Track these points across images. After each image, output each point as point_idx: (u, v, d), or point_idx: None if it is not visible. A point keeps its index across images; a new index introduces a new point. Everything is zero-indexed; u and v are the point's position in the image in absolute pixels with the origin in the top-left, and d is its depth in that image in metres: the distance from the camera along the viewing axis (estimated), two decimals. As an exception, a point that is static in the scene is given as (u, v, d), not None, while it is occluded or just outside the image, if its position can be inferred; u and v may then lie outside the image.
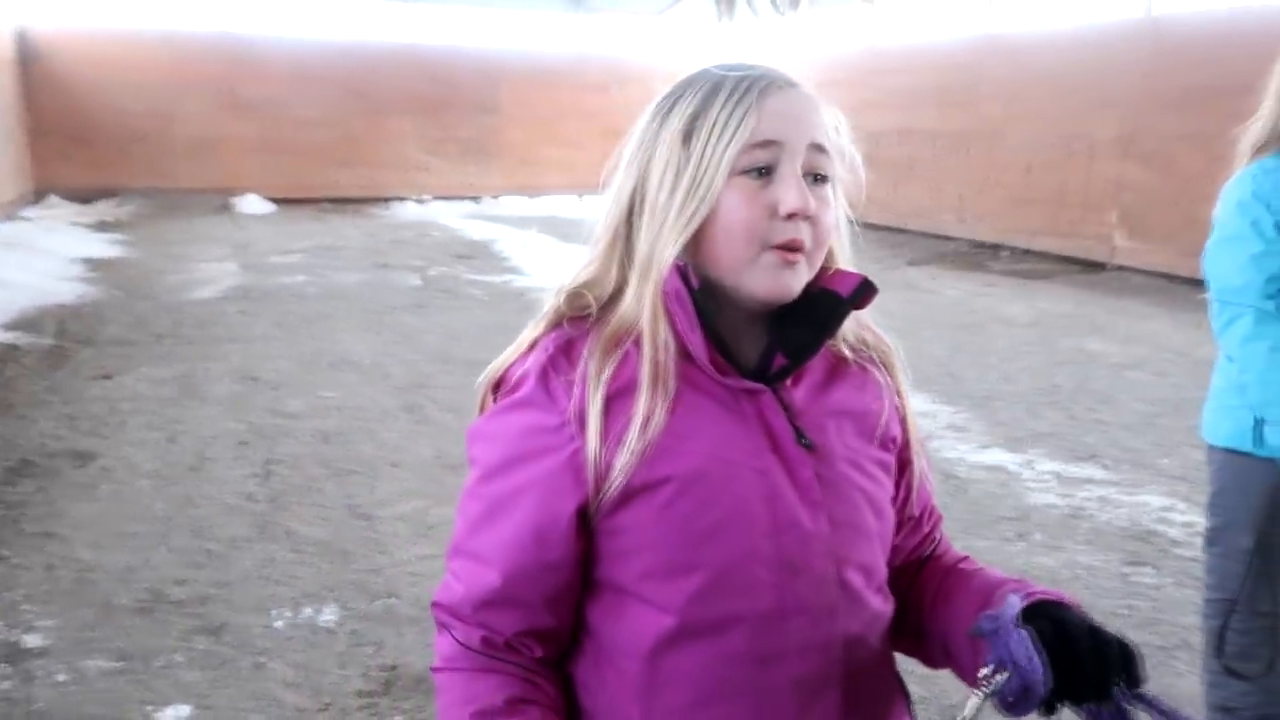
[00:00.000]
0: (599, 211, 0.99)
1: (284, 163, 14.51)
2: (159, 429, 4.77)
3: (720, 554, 0.91)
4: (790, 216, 0.91)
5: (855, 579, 0.96)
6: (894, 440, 1.04)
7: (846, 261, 1.01)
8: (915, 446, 1.06)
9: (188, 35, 14.15)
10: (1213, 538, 2.27)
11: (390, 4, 15.44)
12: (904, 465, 1.06)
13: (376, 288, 8.62)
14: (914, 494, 1.07)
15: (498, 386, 0.98)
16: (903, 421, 1.05)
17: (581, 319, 0.96)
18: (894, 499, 1.05)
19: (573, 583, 0.94)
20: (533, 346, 0.96)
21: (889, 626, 1.03)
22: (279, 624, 3.01)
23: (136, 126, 13.80)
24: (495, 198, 15.37)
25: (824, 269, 0.98)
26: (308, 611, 3.08)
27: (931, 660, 1.07)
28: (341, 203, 14.70)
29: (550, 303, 0.98)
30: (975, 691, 0.88)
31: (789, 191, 0.91)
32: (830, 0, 14.65)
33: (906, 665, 1.08)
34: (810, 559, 0.93)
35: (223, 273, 9.14)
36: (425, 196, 15.20)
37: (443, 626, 0.97)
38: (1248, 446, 2.13)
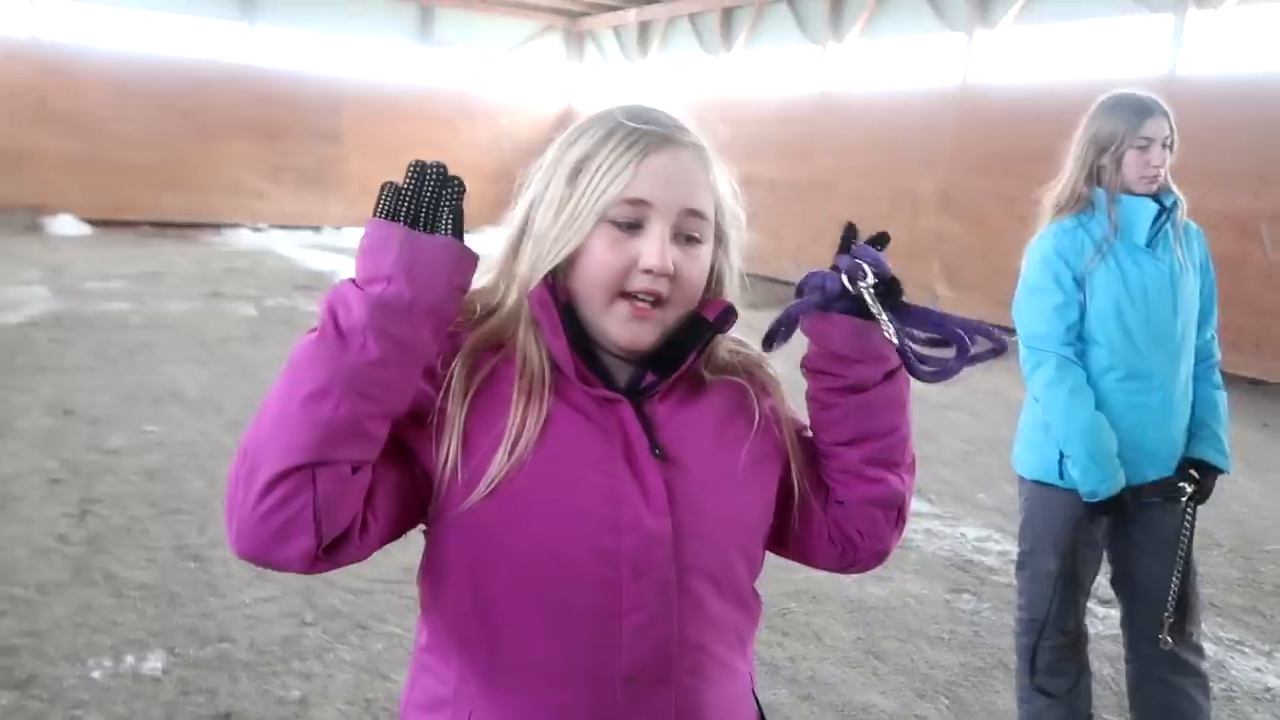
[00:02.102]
0: (502, 231, 1.06)
1: (102, 182, 13.54)
2: (-44, 466, 4.37)
3: (564, 549, 0.97)
4: (648, 271, 0.98)
5: (700, 586, 1.01)
6: (775, 444, 1.08)
7: (732, 298, 1.08)
8: (792, 436, 1.09)
9: (-6, 38, 13.11)
10: (1022, 562, 2.48)
11: (227, 24, 14.86)
12: (787, 455, 1.09)
13: (207, 317, 8.20)
14: (803, 468, 1.09)
15: None
16: (777, 419, 1.09)
17: (465, 320, 1.03)
18: (797, 490, 1.08)
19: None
20: None
21: (746, 638, 1.08)
22: (97, 674, 2.81)
23: (-67, 135, 12.63)
24: (338, 229, 14.93)
25: (703, 301, 1.05)
26: (130, 659, 2.89)
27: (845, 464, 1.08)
28: (167, 227, 13.90)
29: None
30: (869, 301, 0.97)
31: (650, 249, 0.98)
32: (677, 48, 15.17)
33: (789, 673, 1.13)
34: (652, 562, 0.98)
35: (32, 297, 8.46)
36: (261, 224, 14.59)
37: None
38: (1052, 478, 2.35)
